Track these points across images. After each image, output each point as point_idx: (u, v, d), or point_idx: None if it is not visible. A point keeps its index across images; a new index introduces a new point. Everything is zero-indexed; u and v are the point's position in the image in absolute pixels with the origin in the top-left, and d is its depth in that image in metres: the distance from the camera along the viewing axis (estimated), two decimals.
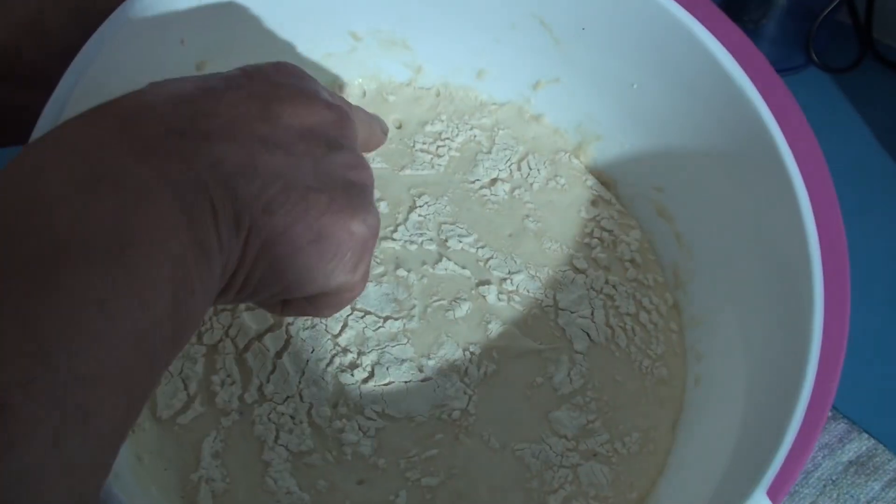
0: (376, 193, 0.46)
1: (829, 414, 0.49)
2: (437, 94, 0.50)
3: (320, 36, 0.46)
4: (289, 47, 0.45)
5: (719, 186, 0.43)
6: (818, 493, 0.48)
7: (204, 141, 0.27)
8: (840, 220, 0.37)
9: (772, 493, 0.32)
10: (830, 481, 0.48)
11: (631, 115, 0.46)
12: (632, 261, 0.47)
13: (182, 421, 0.39)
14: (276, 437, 0.40)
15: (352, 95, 0.49)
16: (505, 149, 0.49)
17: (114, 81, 0.37)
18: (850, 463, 0.49)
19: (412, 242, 0.45)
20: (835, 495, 0.48)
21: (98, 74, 0.35)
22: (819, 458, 0.48)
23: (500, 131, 0.49)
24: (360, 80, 0.49)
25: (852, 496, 0.48)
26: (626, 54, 0.44)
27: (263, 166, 0.28)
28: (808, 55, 0.66)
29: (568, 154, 0.49)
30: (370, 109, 0.48)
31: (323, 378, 0.41)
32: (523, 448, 0.41)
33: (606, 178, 0.49)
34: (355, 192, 0.31)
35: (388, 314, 0.43)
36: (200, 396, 0.40)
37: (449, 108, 0.50)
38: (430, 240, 0.45)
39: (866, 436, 0.49)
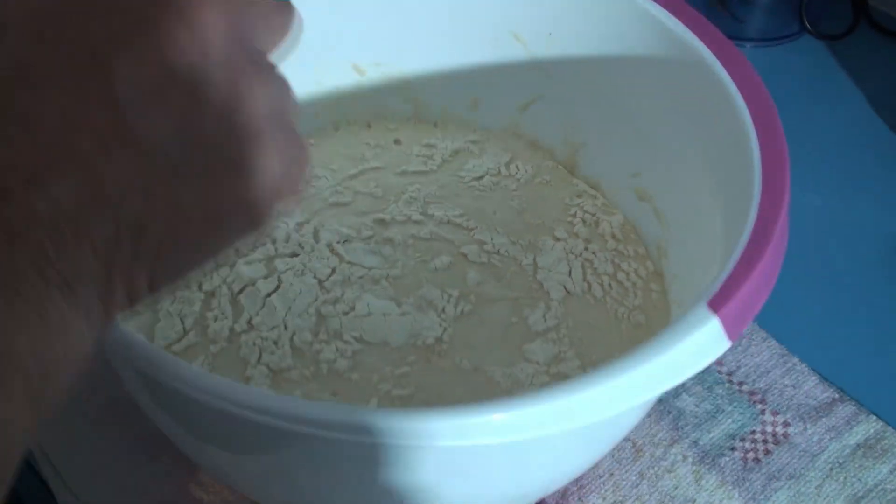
0: (370, 184, 0.51)
1: (836, 395, 0.48)
2: (435, 125, 0.56)
3: (324, 65, 0.53)
4: (296, 74, 0.52)
5: (688, 158, 0.46)
6: (824, 476, 0.45)
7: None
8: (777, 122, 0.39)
9: (715, 304, 0.32)
10: (837, 464, 0.46)
11: (606, 112, 0.50)
12: (612, 235, 0.49)
13: (175, 349, 0.42)
14: (259, 358, 0.42)
15: (357, 125, 0.55)
16: (495, 155, 0.54)
17: None
18: (858, 446, 0.46)
19: (402, 215, 0.49)
20: (841, 478, 0.45)
21: None
22: (826, 440, 0.46)
23: (492, 144, 0.54)
24: (367, 117, 0.55)
25: (860, 479, 0.45)
26: (592, 50, 0.49)
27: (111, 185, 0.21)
28: (802, 23, 0.65)
29: (556, 163, 0.53)
30: (376, 139, 0.54)
31: (307, 311, 0.44)
32: (494, 370, 0.42)
33: (592, 181, 0.52)
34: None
35: (373, 265, 0.46)
36: (194, 330, 0.43)
37: (446, 132, 0.55)
38: (419, 213, 0.49)
39: (874, 418, 0.47)
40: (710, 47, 0.43)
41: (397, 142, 0.54)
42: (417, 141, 0.54)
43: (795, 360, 0.50)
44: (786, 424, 0.47)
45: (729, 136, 0.41)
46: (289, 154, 0.26)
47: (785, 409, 0.48)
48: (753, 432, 0.47)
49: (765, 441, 0.47)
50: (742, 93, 0.41)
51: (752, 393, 0.48)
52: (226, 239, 0.26)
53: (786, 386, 0.49)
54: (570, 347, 0.43)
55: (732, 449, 0.46)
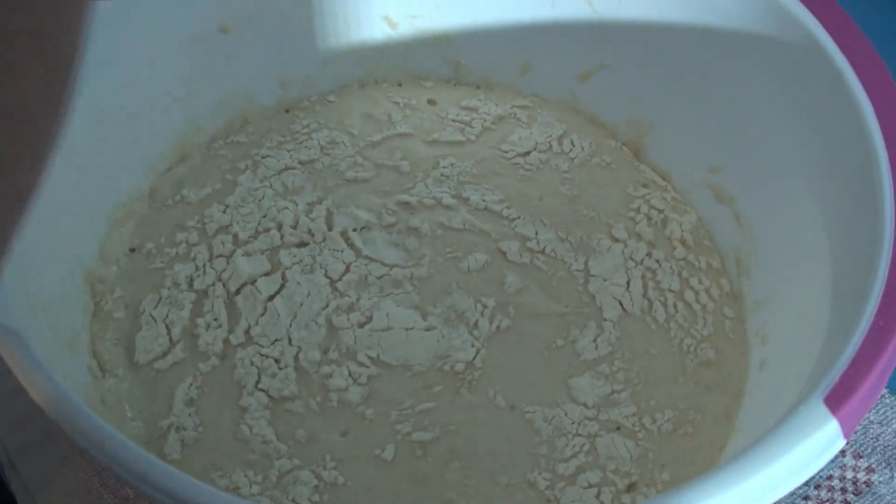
0: (395, 154, 0.43)
1: None
2: (478, 87, 0.47)
3: (354, 15, 0.44)
4: (321, 24, 0.44)
5: (784, 151, 0.38)
6: None
7: None
8: None
9: (832, 401, 0.25)
10: None
11: (684, 91, 0.42)
12: (682, 241, 0.41)
13: (160, 366, 0.35)
14: (258, 382, 0.35)
15: (388, 85, 0.47)
16: (546, 126, 0.45)
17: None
18: None
19: (430, 198, 0.41)
20: None
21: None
22: None
23: (544, 112, 0.46)
24: (398, 77, 0.47)
25: None
26: (671, 18, 0.40)
27: None
28: None
29: (619, 143, 0.45)
30: (406, 98, 0.45)
31: (315, 321, 0.37)
32: (534, 411, 0.35)
33: (661, 171, 0.44)
34: None
35: (395, 262, 0.39)
36: (183, 342, 0.36)
37: (489, 95, 0.47)
38: (451, 196, 0.41)
39: None
40: (826, 26, 0.34)
41: (431, 102, 0.46)
42: (455, 103, 0.46)
43: (885, 391, 0.43)
44: (869, 470, 0.41)
45: (843, 138, 0.33)
46: None
47: (870, 451, 0.41)
48: (831, 478, 0.40)
49: (844, 490, 0.40)
50: (864, 83, 0.33)
51: None
52: None
53: (871, 423, 0.42)
54: (624, 387, 0.36)
55: (806, 498, 0.40)
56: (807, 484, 0.40)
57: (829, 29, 0.34)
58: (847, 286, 0.30)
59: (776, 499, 0.25)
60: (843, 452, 0.41)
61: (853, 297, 0.28)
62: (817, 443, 0.25)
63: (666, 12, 0.40)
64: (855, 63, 0.34)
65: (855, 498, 0.40)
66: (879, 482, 0.40)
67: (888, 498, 0.40)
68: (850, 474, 0.41)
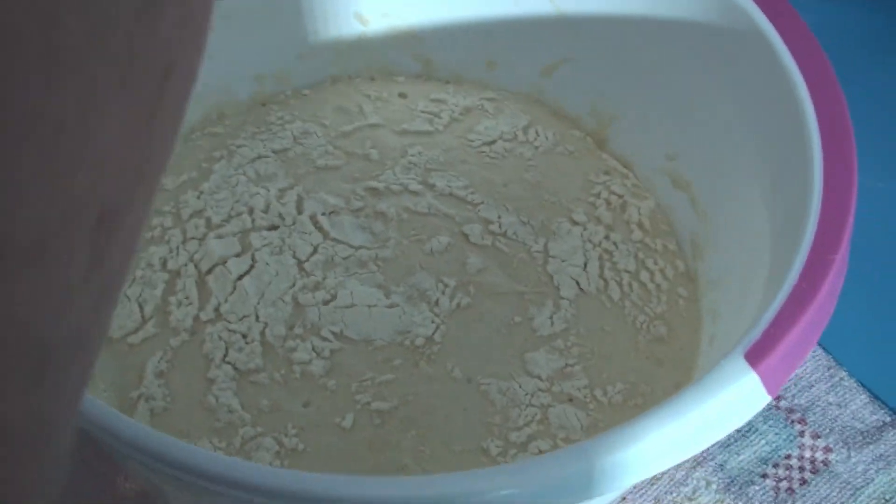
0: (365, 143, 0.45)
1: (888, 419, 0.42)
2: (447, 82, 0.49)
3: (326, 13, 0.46)
4: (295, 21, 0.46)
5: (731, 139, 0.39)
6: None
7: None
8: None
9: (752, 356, 0.27)
10: (884, 500, 0.40)
11: (643, 82, 0.44)
12: (639, 224, 0.43)
13: (132, 340, 0.37)
14: (225, 355, 0.37)
15: (360, 80, 0.48)
16: (512, 117, 0.47)
17: None
18: None
19: (398, 184, 0.43)
20: None
21: None
22: (872, 471, 0.41)
23: (510, 104, 0.48)
24: (370, 73, 0.49)
25: None
26: (628, 11, 0.42)
27: None
28: None
29: (583, 133, 0.47)
30: (378, 91, 0.47)
31: (282, 299, 0.38)
32: (489, 382, 0.36)
33: (623, 159, 0.46)
34: None
35: (361, 244, 0.41)
36: (155, 318, 0.38)
37: (458, 89, 0.49)
38: (418, 182, 0.43)
39: None
40: (766, 13, 0.36)
41: (402, 95, 0.48)
42: (425, 96, 0.47)
43: (843, 373, 0.44)
44: (827, 450, 0.42)
45: (783, 124, 0.35)
46: None
47: (827, 431, 0.42)
48: (789, 457, 0.42)
49: (801, 468, 0.41)
50: (804, 73, 0.34)
51: (790, 410, 0.43)
52: None
53: (830, 404, 0.43)
54: (578, 361, 0.37)
55: (764, 476, 0.41)
56: (765, 462, 0.42)
57: (775, 23, 0.36)
58: (779, 260, 0.31)
59: (700, 449, 0.26)
60: (801, 433, 0.43)
61: (783, 268, 0.30)
62: (737, 396, 0.26)
63: (623, 5, 0.42)
64: (798, 58, 0.35)
65: (812, 476, 0.41)
66: (836, 461, 0.42)
67: (845, 476, 0.41)
68: (808, 453, 0.42)
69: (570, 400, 0.36)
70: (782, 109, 0.34)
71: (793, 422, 0.43)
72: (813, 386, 0.44)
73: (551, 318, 0.39)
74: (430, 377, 0.37)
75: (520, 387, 0.36)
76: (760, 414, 0.43)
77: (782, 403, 0.44)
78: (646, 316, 0.39)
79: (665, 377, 0.37)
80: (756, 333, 0.27)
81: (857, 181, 0.31)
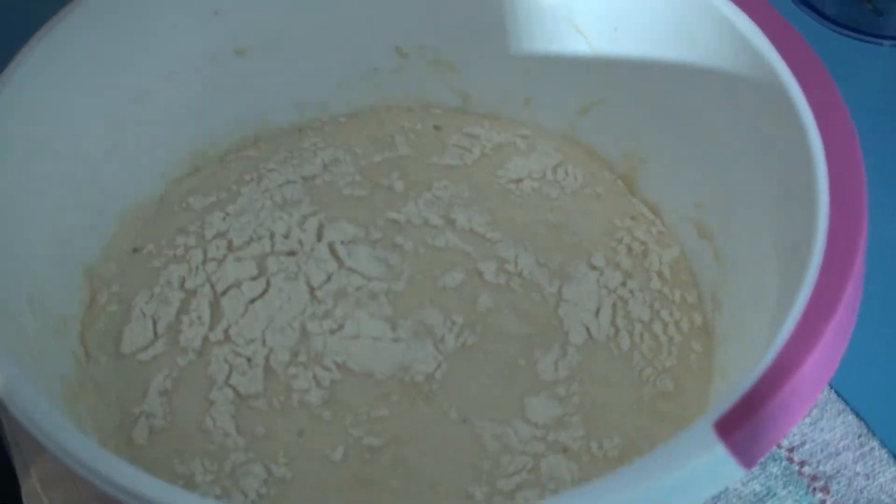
0: (393, 175, 0.45)
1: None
2: (484, 117, 0.49)
3: (366, 45, 0.47)
4: (334, 52, 0.46)
5: (751, 191, 0.38)
6: None
7: None
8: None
9: (722, 426, 0.26)
10: None
11: (672, 127, 0.42)
12: (659, 273, 0.42)
13: (142, 357, 0.38)
14: (228, 378, 0.38)
15: (398, 110, 0.49)
16: (544, 155, 0.46)
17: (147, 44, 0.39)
18: None
19: (419, 217, 0.43)
20: None
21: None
22: None
23: (544, 142, 0.47)
24: (408, 104, 0.49)
25: None
26: (661, 53, 0.41)
27: None
28: None
29: (614, 176, 0.46)
30: (413, 123, 0.48)
31: (290, 325, 0.39)
32: (484, 427, 0.36)
33: (651, 204, 0.45)
34: None
35: (375, 276, 0.41)
36: (166, 336, 0.39)
37: (494, 124, 0.48)
38: (439, 216, 0.43)
39: None
40: (790, 64, 0.35)
41: (437, 128, 0.48)
42: (459, 129, 0.48)
43: (875, 443, 0.42)
44: None
45: (796, 178, 0.33)
46: None
47: (851, 503, 0.40)
48: None
49: None
50: (821, 128, 0.33)
51: (814, 477, 0.41)
52: None
53: (857, 474, 0.41)
54: (577, 411, 0.37)
55: None
56: None
57: (797, 75, 0.35)
58: (776, 325, 0.30)
59: None
60: (823, 502, 0.41)
61: (774, 334, 0.29)
62: (703, 468, 0.25)
63: (655, 50, 0.41)
64: (819, 114, 0.34)
65: None
66: None
67: None
68: None
69: (565, 451, 0.36)
70: (796, 167, 0.33)
71: (815, 490, 0.41)
72: (840, 453, 0.42)
73: (556, 363, 0.38)
74: (426, 416, 0.37)
75: (515, 433, 0.36)
76: (780, 478, 0.41)
77: (805, 469, 0.42)
78: (654, 369, 0.38)
79: (665, 434, 0.36)
80: (730, 401, 0.26)
81: (864, 243, 0.30)
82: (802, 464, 0.42)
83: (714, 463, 0.26)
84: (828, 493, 0.41)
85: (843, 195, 0.31)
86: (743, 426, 0.26)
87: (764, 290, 0.35)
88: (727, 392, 0.34)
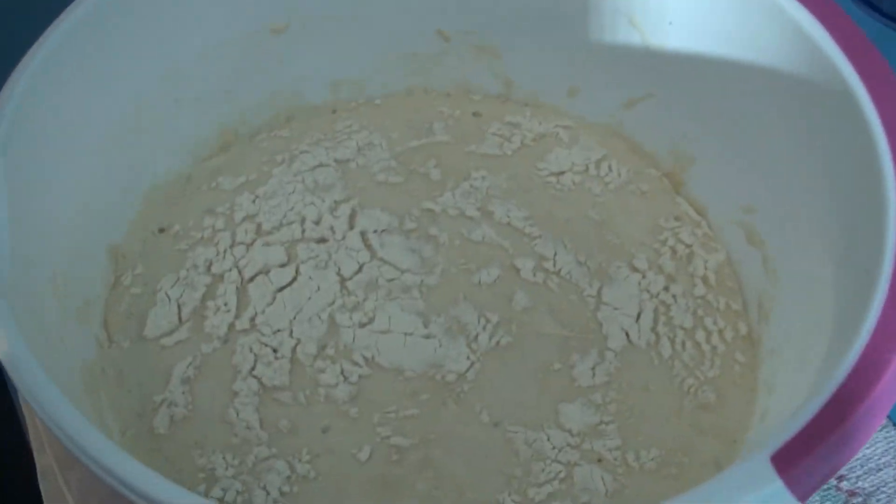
0: (429, 162, 0.43)
1: None
2: (525, 105, 0.47)
3: (407, 27, 0.45)
4: (374, 32, 0.45)
5: (810, 200, 0.36)
6: None
7: None
8: None
9: (779, 460, 0.24)
10: None
11: (725, 126, 0.41)
12: (704, 278, 0.40)
13: (165, 343, 0.37)
14: (253, 368, 0.36)
15: (436, 95, 0.47)
16: (587, 148, 0.45)
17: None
18: None
19: (455, 208, 0.42)
20: None
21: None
22: None
23: (587, 134, 0.45)
24: (448, 88, 0.47)
25: None
26: (717, 50, 0.39)
27: None
28: None
29: (660, 173, 0.44)
30: (452, 109, 0.46)
31: (319, 316, 0.38)
32: (517, 431, 0.35)
33: (698, 206, 0.43)
34: None
35: (408, 268, 0.39)
36: (191, 322, 0.38)
37: (535, 113, 0.47)
38: (476, 208, 0.42)
39: None
40: (861, 72, 0.33)
41: (476, 115, 0.46)
42: (499, 117, 0.46)
43: None
44: None
45: (862, 196, 0.31)
46: None
47: None
48: None
49: None
50: (891, 141, 0.31)
51: (851, 493, 0.40)
52: None
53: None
54: (614, 419, 0.35)
55: None
56: None
57: (864, 80, 0.33)
58: (837, 344, 0.29)
59: None
60: None
61: (838, 355, 0.27)
62: (759, 502, 0.24)
63: (711, 46, 0.39)
64: (889, 126, 0.32)
65: None
66: None
67: None
68: None
69: (599, 460, 0.34)
70: (863, 182, 0.31)
71: None
72: (881, 469, 0.41)
73: (594, 368, 0.37)
74: (456, 417, 0.35)
75: (548, 439, 0.35)
76: (819, 492, 0.40)
77: (843, 484, 0.40)
78: (695, 379, 0.37)
79: (705, 449, 0.35)
80: (789, 432, 0.25)
81: None
82: (841, 478, 0.40)
83: (770, 497, 0.24)
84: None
85: None
86: (802, 461, 0.24)
87: (817, 307, 0.33)
88: (777, 415, 0.33)
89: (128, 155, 0.39)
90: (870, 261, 0.29)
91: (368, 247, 0.40)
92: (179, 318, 0.37)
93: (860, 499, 0.40)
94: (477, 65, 0.46)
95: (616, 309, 0.38)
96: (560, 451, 0.34)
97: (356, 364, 0.36)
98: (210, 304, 0.38)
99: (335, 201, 0.41)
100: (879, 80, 0.32)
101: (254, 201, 0.41)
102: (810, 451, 0.24)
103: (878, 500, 0.40)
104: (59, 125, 0.35)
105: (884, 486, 0.40)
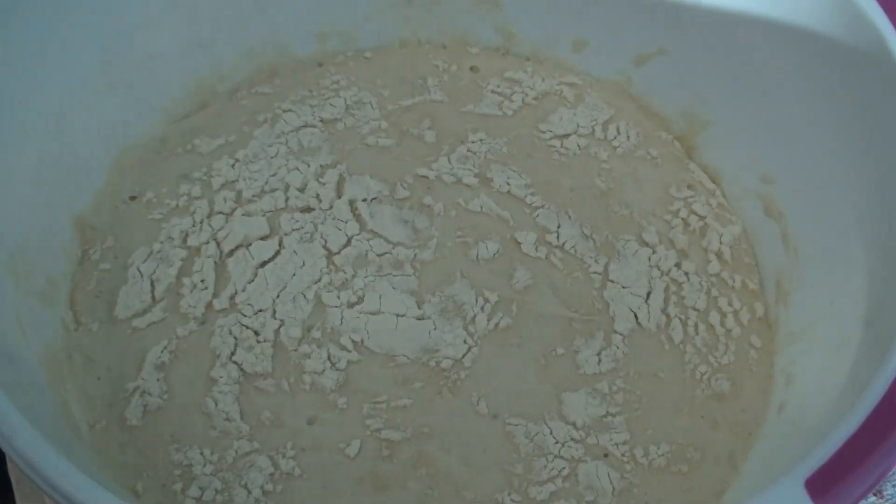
0: (423, 123, 0.40)
1: None
2: (527, 59, 0.43)
3: None
4: None
5: (839, 171, 0.33)
6: None
7: None
8: None
9: (814, 485, 0.22)
10: None
11: (745, 88, 0.37)
12: (718, 254, 0.37)
13: (137, 324, 0.34)
14: (232, 353, 0.34)
15: (431, 47, 0.43)
16: (593, 108, 0.41)
17: None
18: None
19: (451, 174, 0.38)
20: None
21: None
22: None
23: (593, 92, 0.42)
24: (443, 40, 0.44)
25: None
26: (739, 7, 0.36)
27: None
28: None
29: (671, 136, 0.41)
30: (448, 62, 0.42)
31: (304, 295, 0.35)
32: (517, 424, 0.32)
33: (712, 172, 0.40)
34: None
35: (400, 240, 0.36)
36: (165, 301, 0.35)
37: (537, 68, 0.43)
38: (474, 175, 0.38)
39: None
40: None
41: (473, 69, 0.43)
42: (499, 73, 0.42)
43: None
44: None
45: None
46: None
47: None
48: None
49: None
50: None
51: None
52: None
53: None
54: (621, 411, 0.33)
55: None
56: None
57: None
58: (873, 343, 0.26)
59: None
60: None
61: (872, 364, 0.25)
62: None
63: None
64: None
65: None
66: None
67: None
68: None
69: (606, 456, 0.32)
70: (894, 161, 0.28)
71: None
72: None
73: (599, 354, 0.34)
74: (452, 408, 0.33)
75: (550, 432, 0.32)
76: None
77: (876, 501, 0.38)
78: (708, 366, 0.34)
79: (718, 443, 0.32)
80: (824, 454, 0.22)
81: None
82: (879, 493, 0.38)
83: None
84: (881, 496, 0.37)
85: None
86: (838, 486, 0.22)
87: (845, 290, 0.31)
88: (797, 409, 0.30)
89: (94, 116, 0.36)
90: None
91: (357, 217, 0.37)
92: (153, 297, 0.35)
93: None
94: (475, 14, 0.43)
95: (624, 287, 0.36)
96: (563, 445, 0.32)
97: (344, 348, 0.34)
98: (186, 280, 0.35)
99: (321, 166, 0.38)
100: None
101: (233, 166, 0.38)
102: (847, 474, 0.22)
103: (893, 485, 0.38)
104: (8, 86, 0.31)
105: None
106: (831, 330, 0.31)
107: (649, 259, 0.37)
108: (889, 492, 0.38)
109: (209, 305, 0.34)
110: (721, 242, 0.37)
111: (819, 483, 0.22)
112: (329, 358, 0.33)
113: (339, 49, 0.43)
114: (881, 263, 0.29)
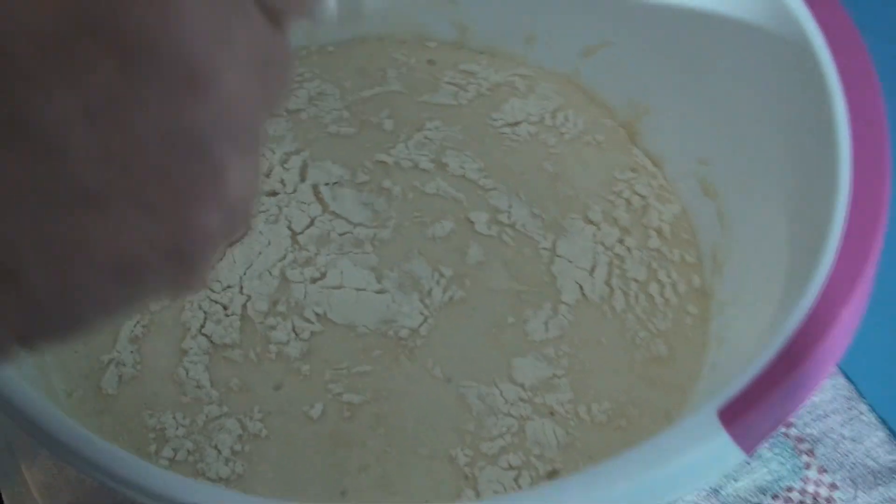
0: (382, 112, 0.42)
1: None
2: (481, 53, 0.46)
3: None
4: None
5: (765, 154, 0.36)
6: None
7: None
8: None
9: (727, 415, 0.24)
10: None
11: (683, 77, 0.40)
12: (658, 230, 0.40)
13: None
14: (202, 326, 0.36)
15: (390, 42, 0.46)
16: (543, 98, 0.44)
17: None
18: None
19: (408, 160, 0.41)
20: None
21: None
22: None
23: (544, 83, 0.45)
24: (401, 35, 0.46)
25: None
26: (677, 3, 0.38)
27: None
28: None
29: (616, 124, 0.44)
30: (406, 56, 0.45)
31: (269, 272, 0.37)
32: (469, 386, 0.35)
33: (654, 157, 0.43)
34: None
35: (360, 221, 0.39)
36: None
37: (492, 62, 0.46)
38: (430, 160, 0.41)
39: None
40: (822, 23, 0.32)
41: (430, 62, 0.45)
42: (454, 66, 0.45)
43: (864, 407, 0.41)
44: (832, 487, 0.39)
45: (816, 143, 0.31)
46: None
47: (836, 466, 0.40)
48: (790, 489, 0.39)
49: (802, 503, 0.39)
50: (848, 94, 0.31)
51: (799, 440, 0.40)
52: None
53: (843, 438, 0.40)
54: (566, 372, 0.35)
55: None
56: (763, 492, 0.39)
57: (824, 31, 0.32)
58: (788, 297, 0.29)
59: None
60: (807, 465, 0.40)
61: (786, 313, 0.27)
62: (705, 455, 0.24)
63: None
64: (844, 76, 0.32)
65: None
66: (841, 500, 0.39)
67: None
68: (811, 488, 0.39)
69: (552, 414, 0.34)
70: (818, 136, 0.31)
71: (800, 452, 0.40)
72: (828, 416, 0.41)
73: (546, 322, 0.37)
74: (409, 374, 0.35)
75: (500, 394, 0.35)
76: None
77: (792, 431, 0.41)
78: (647, 332, 0.37)
79: (656, 401, 0.35)
80: (737, 387, 0.25)
81: (885, 225, 0.28)
82: (789, 425, 0.41)
83: (717, 450, 0.24)
84: (813, 455, 0.40)
85: (866, 171, 0.29)
86: (748, 415, 0.24)
87: (770, 260, 0.34)
88: (726, 367, 0.33)
89: None
90: (822, 215, 0.29)
91: (320, 200, 0.39)
92: None
93: (807, 445, 0.40)
94: (433, 10, 0.45)
95: (570, 262, 0.38)
96: (512, 405, 0.34)
97: (308, 320, 0.36)
98: None
99: (286, 153, 0.41)
100: (839, 32, 0.32)
101: None
102: (756, 404, 0.25)
103: (824, 445, 0.40)
104: None
105: (830, 433, 0.41)
106: (757, 294, 0.34)
107: (594, 236, 0.39)
108: (821, 451, 0.41)
109: None
110: (661, 220, 0.40)
111: (730, 413, 0.24)
112: (294, 329, 0.36)
113: (301, 43, 0.45)
114: (800, 231, 0.32)
